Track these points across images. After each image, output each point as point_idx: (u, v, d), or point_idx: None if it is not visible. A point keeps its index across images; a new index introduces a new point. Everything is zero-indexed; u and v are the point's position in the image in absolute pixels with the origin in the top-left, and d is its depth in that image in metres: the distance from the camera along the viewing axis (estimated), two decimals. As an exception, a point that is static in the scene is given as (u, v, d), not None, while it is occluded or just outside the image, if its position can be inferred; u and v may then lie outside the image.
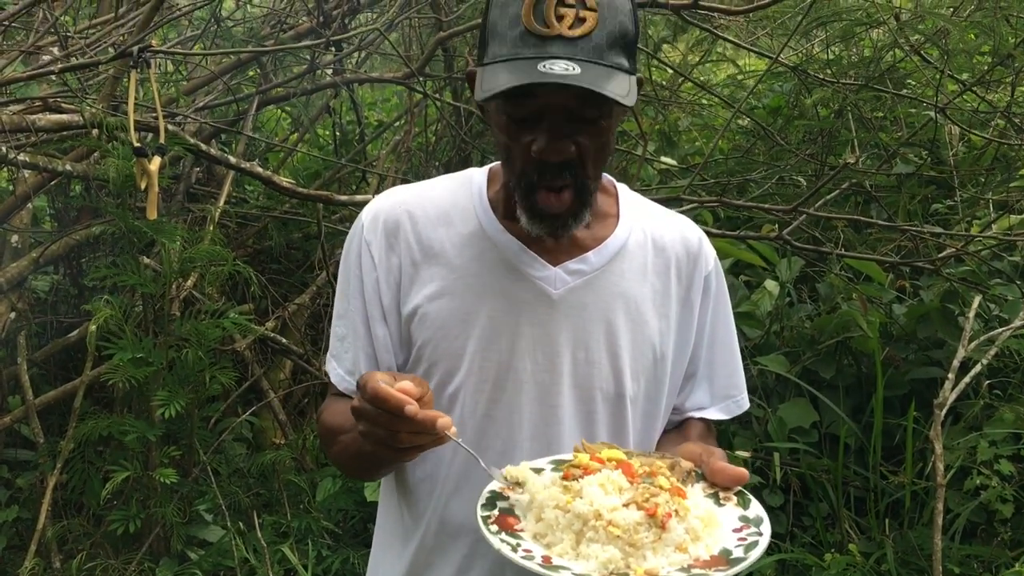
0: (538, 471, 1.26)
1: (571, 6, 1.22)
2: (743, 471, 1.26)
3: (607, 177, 1.50)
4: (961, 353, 2.95)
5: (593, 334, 1.39)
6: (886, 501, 3.42)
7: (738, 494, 1.25)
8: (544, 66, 1.19)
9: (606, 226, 1.44)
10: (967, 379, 2.98)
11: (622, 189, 1.51)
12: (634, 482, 1.19)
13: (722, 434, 3.36)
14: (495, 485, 1.23)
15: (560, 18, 1.22)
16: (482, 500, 1.21)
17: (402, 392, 1.10)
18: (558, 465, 1.28)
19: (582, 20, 1.22)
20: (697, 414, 1.53)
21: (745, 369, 1.59)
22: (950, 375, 2.90)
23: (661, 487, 1.18)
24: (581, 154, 1.28)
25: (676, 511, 1.15)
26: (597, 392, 1.39)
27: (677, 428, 1.53)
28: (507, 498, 1.21)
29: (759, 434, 3.53)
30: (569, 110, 1.25)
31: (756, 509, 1.22)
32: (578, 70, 1.20)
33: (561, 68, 1.19)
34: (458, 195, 1.45)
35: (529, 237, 1.37)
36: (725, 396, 1.54)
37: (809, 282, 4.24)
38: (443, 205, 1.44)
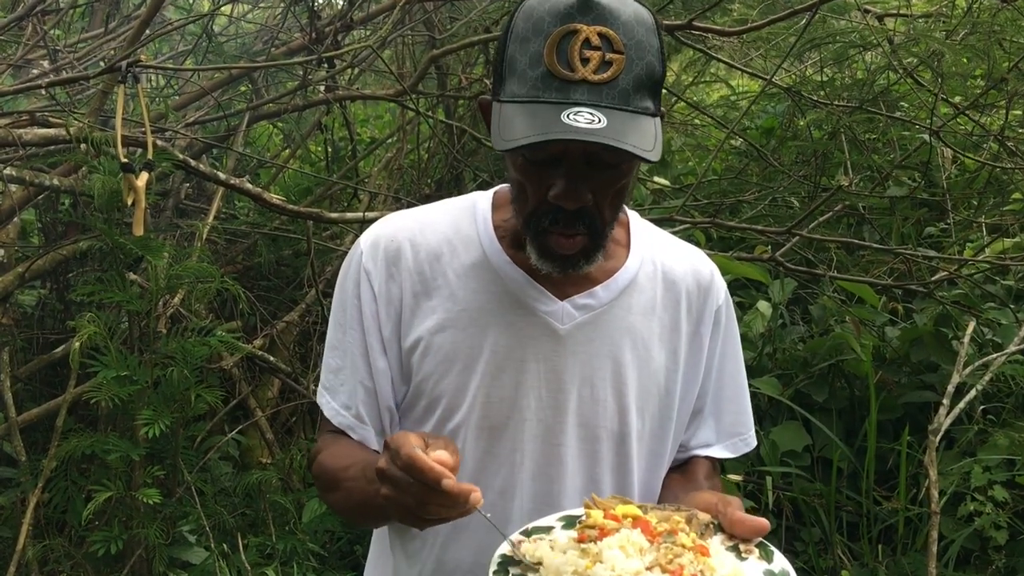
0: (547, 529, 1.21)
1: (597, 48, 1.14)
2: (764, 522, 1.20)
3: None
4: (956, 378, 2.93)
5: (599, 371, 1.33)
6: (879, 527, 3.39)
7: (759, 546, 1.20)
8: (568, 116, 1.11)
9: (616, 257, 1.38)
10: (962, 404, 2.96)
11: (633, 217, 1.45)
12: (654, 541, 1.14)
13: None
14: (505, 548, 1.18)
15: (585, 61, 1.13)
16: (493, 567, 1.15)
17: (438, 463, 1.04)
18: (568, 523, 1.22)
19: (608, 64, 1.14)
20: (703, 452, 1.47)
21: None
22: (945, 400, 2.87)
23: (684, 546, 1.13)
24: (598, 201, 1.22)
25: (702, 572, 1.10)
26: (602, 431, 1.34)
27: (682, 467, 1.47)
28: (519, 562, 1.16)
29: (751, 457, 3.50)
30: (589, 154, 1.18)
31: (780, 562, 1.17)
32: (603, 121, 1.11)
33: (585, 120, 1.11)
34: (461, 222, 1.38)
35: (536, 268, 1.32)
36: (732, 433, 1.48)
37: (802, 304, 4.22)
38: (446, 232, 1.37)
